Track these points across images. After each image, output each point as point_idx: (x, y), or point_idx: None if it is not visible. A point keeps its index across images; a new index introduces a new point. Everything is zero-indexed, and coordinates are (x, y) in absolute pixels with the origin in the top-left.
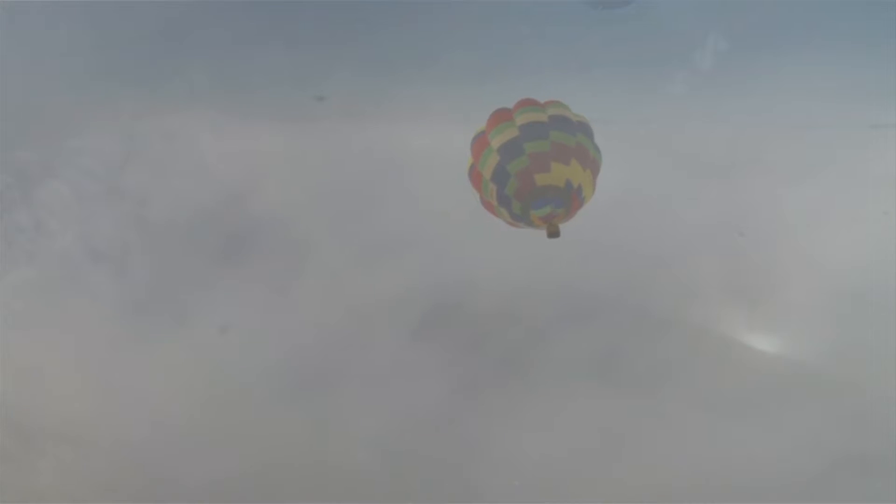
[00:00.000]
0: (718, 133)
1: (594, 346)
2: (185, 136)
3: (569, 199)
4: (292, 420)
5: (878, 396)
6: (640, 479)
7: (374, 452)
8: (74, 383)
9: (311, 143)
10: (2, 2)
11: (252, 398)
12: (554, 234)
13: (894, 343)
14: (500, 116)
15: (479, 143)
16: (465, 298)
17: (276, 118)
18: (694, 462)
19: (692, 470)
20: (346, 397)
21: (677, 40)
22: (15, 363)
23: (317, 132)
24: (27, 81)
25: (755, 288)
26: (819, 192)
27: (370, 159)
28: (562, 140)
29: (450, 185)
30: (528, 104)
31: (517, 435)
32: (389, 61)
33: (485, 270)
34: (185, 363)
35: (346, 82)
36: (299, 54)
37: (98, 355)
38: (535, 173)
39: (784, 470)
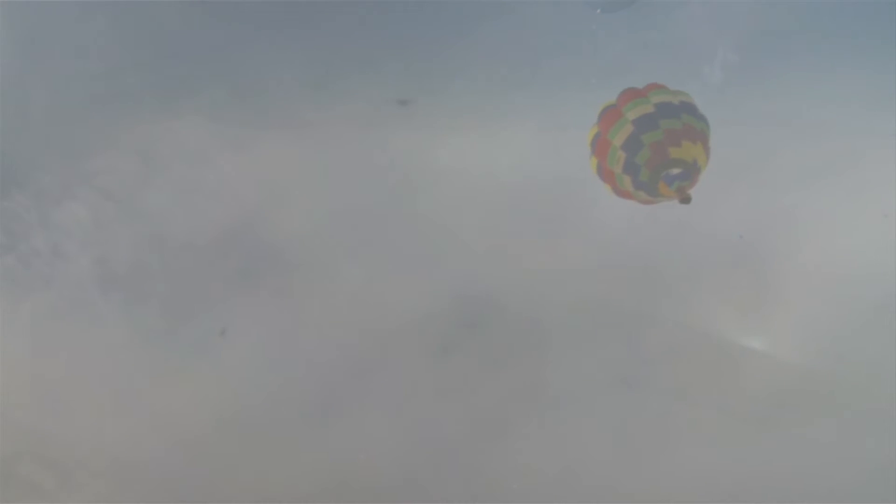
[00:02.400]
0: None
1: (611, 356)
2: (205, 154)
3: (692, 174)
4: (314, 437)
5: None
6: (654, 486)
7: (393, 467)
8: (95, 408)
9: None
10: (21, 27)
11: (276, 418)
12: (686, 199)
13: None
14: (634, 93)
15: (612, 114)
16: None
17: (293, 129)
18: (709, 468)
19: (706, 475)
20: (369, 413)
21: (688, 43)
22: (33, 385)
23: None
24: (44, 103)
25: (772, 296)
26: (827, 194)
27: (400, 171)
28: (691, 123)
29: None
30: (659, 87)
31: (537, 446)
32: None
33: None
34: (209, 385)
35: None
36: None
37: (119, 379)
38: (668, 146)
39: (802, 476)
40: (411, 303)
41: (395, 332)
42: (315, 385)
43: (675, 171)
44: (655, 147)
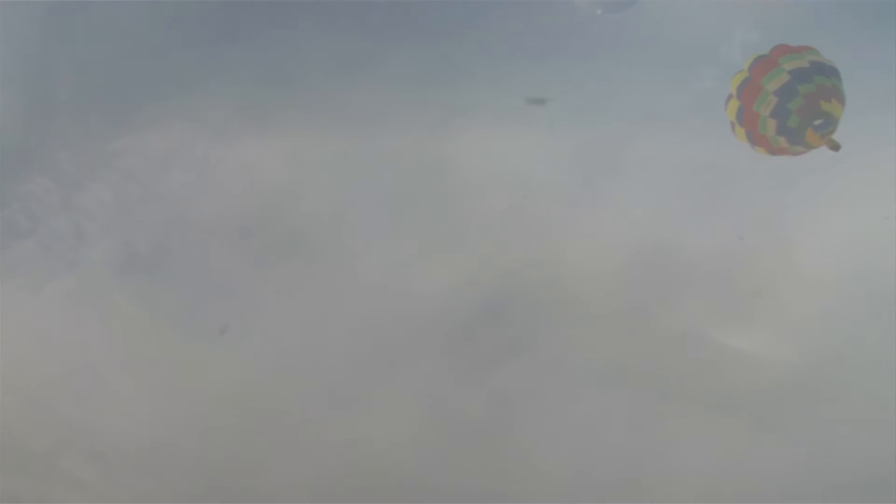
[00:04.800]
0: (720, 138)
1: (611, 352)
2: (229, 135)
3: (835, 129)
4: (334, 421)
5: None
6: (656, 483)
7: (410, 455)
8: (122, 394)
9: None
10: (43, 9)
11: (297, 402)
12: (836, 147)
13: None
14: (788, 49)
15: (766, 63)
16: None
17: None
18: (708, 467)
19: (705, 474)
20: (388, 399)
21: (685, 43)
22: (56, 372)
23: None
24: (67, 85)
25: (771, 297)
26: (826, 193)
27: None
28: (837, 85)
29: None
30: (810, 49)
31: (542, 439)
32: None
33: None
34: (233, 369)
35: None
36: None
37: (144, 364)
38: (820, 99)
39: (801, 475)
40: (431, 291)
41: (415, 318)
42: (336, 370)
43: (818, 122)
44: (809, 97)
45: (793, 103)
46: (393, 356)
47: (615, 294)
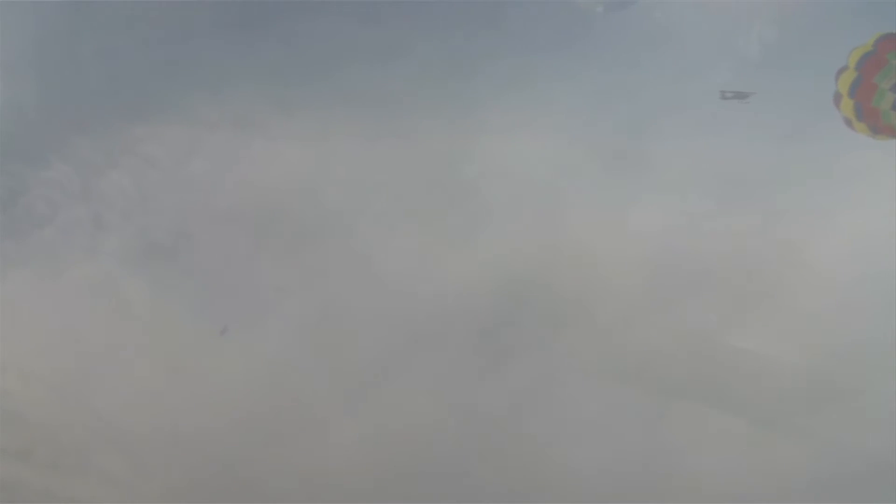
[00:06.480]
0: (726, 144)
1: (623, 351)
2: (249, 130)
3: None
4: (347, 416)
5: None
6: (657, 482)
7: (422, 451)
8: (141, 383)
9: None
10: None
11: (317, 393)
12: None
13: None
14: None
15: (894, 40)
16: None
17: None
18: (709, 467)
19: (705, 474)
20: (409, 390)
21: (696, 48)
22: (79, 361)
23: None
24: (89, 72)
25: (773, 296)
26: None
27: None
28: None
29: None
30: None
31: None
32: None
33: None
34: (252, 358)
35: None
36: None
37: (163, 352)
38: None
39: (806, 474)
40: (449, 287)
41: (432, 315)
42: (357, 361)
43: None
44: None
45: None
46: (411, 352)
47: (629, 293)
